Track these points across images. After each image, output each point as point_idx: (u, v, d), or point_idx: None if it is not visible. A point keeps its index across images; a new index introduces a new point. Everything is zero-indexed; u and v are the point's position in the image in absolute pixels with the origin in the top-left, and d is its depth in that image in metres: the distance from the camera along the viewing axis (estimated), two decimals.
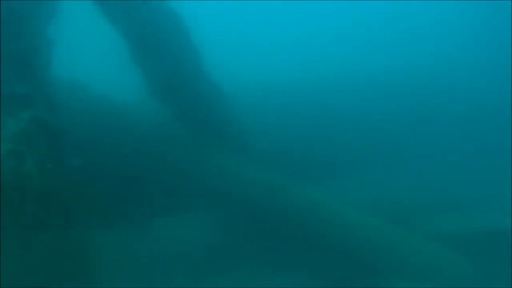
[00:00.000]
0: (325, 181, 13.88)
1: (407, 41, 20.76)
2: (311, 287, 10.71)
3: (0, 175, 6.51)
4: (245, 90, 14.99)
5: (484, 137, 15.36)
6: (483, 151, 14.91)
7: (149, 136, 12.20)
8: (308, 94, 15.91)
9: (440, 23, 22.44)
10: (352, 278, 10.75)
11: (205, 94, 12.37)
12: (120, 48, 12.06)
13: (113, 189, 10.62)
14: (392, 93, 16.57)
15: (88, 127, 11.13)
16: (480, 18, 21.00)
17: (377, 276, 10.82)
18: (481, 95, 16.48)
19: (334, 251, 11.45)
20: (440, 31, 21.41)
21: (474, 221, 12.16)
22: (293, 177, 12.61)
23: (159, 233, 11.90)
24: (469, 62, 17.63)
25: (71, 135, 8.09)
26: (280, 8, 34.26)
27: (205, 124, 12.43)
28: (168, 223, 12.02)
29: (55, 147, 7.09)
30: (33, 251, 6.92)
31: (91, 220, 9.10)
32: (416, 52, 18.79)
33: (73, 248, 7.27)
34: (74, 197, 7.47)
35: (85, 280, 7.25)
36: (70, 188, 7.46)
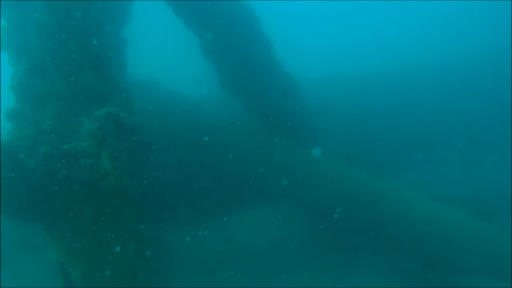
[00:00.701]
0: (400, 174, 13.42)
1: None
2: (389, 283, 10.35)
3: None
4: (318, 84, 14.72)
5: None
6: None
7: (221, 130, 12.23)
8: (380, 87, 15.44)
9: None
10: (433, 275, 10.31)
11: (277, 87, 12.22)
12: (191, 45, 12.23)
13: (185, 185, 10.72)
14: (465, 84, 15.80)
15: (161, 124, 11.33)
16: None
17: (459, 273, 10.28)
18: None
19: (414, 247, 10.95)
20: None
21: None
22: (368, 170, 12.22)
23: (233, 227, 11.91)
24: None
25: (145, 132, 8.27)
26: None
27: (277, 118, 12.25)
28: (240, 218, 12.01)
29: (129, 144, 7.24)
30: (107, 246, 7.10)
31: (165, 216, 9.27)
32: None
33: (147, 243, 7.39)
34: (148, 193, 7.59)
35: (159, 275, 7.38)
36: (144, 185, 7.60)
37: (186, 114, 12.44)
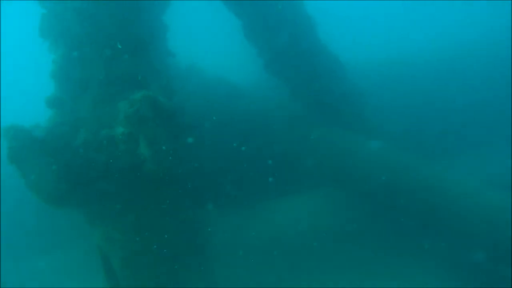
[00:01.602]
0: (448, 159, 12.74)
1: None
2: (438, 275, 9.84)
3: None
4: (366, 68, 14.17)
5: None
6: None
7: (265, 116, 11.92)
8: (428, 72, 14.75)
9: None
10: (486, 264, 9.71)
11: (323, 71, 11.77)
12: (235, 29, 11.95)
13: (227, 171, 10.50)
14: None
15: (204, 109, 11.13)
16: None
17: None
18: None
19: (465, 235, 10.28)
20: None
21: None
22: (416, 155, 11.59)
23: (275, 214, 11.67)
24: None
25: (186, 117, 8.05)
26: None
27: (324, 101, 11.82)
28: (284, 203, 11.72)
29: (169, 129, 7.02)
30: (148, 232, 6.95)
31: (206, 202, 9.07)
32: None
33: (187, 229, 7.20)
34: (188, 179, 7.39)
35: (200, 259, 7.18)
36: (184, 170, 7.40)
37: (229, 100, 12.20)
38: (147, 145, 6.63)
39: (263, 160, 11.15)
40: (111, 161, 6.96)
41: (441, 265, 10.15)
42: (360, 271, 10.15)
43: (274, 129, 11.74)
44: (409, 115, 13.24)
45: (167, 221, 7.17)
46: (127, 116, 6.57)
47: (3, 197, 11.54)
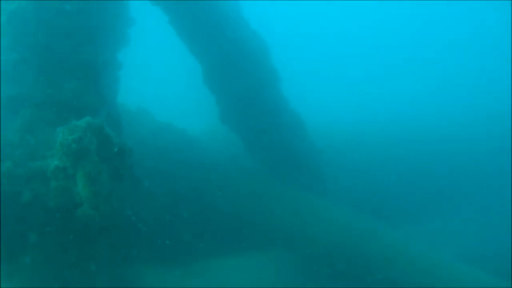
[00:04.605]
0: (405, 227, 12.48)
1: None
2: None
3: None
4: (326, 128, 13.74)
5: None
6: None
7: (216, 169, 11.02)
8: (390, 138, 14.60)
9: None
10: None
11: (282, 125, 11.08)
12: (193, 73, 11.19)
13: (172, 224, 9.39)
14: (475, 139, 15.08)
15: (151, 156, 10.12)
16: None
17: None
18: None
19: None
20: None
21: None
22: (377, 221, 11.14)
23: (219, 273, 10.61)
24: None
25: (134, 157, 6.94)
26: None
27: (280, 159, 11.07)
28: (227, 264, 10.69)
29: (114, 167, 5.86)
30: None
31: (146, 255, 7.91)
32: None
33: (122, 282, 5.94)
34: (129, 229, 6.20)
35: None
36: (126, 219, 6.23)
37: (179, 149, 11.27)
38: (85, 184, 5.40)
39: (209, 214, 10.16)
40: (37, 199, 5.70)
41: None
42: None
43: (224, 182, 10.84)
44: (373, 179, 12.82)
45: (98, 276, 5.87)
46: (65, 145, 5.34)
47: None
